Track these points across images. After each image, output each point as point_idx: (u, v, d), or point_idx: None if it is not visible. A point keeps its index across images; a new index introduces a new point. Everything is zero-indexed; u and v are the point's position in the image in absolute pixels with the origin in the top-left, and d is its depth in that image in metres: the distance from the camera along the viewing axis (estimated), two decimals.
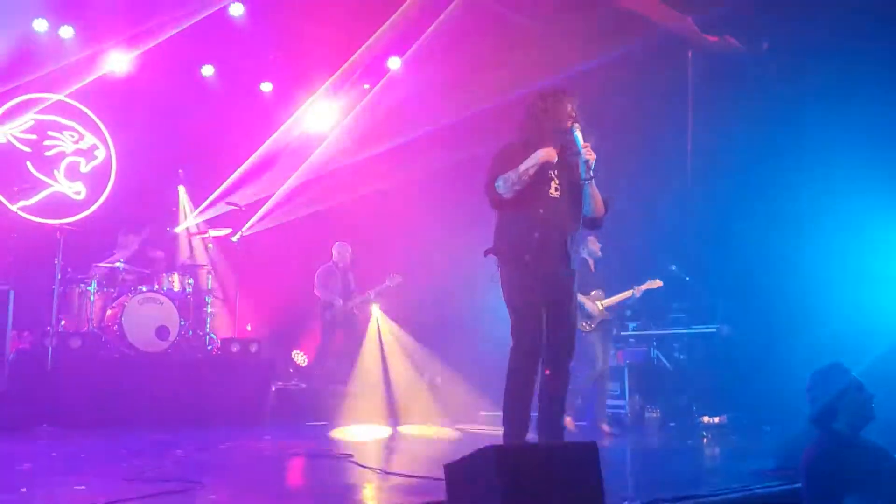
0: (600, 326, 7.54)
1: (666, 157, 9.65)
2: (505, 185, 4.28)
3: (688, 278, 9.08)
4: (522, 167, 4.25)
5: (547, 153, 4.28)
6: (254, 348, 8.61)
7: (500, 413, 4.39)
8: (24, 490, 3.86)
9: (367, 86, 10.82)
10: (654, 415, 8.40)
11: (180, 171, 10.39)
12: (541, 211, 4.31)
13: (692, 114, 9.51)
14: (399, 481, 4.42)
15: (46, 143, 9.66)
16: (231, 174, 10.44)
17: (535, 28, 9.41)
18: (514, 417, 4.31)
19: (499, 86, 9.52)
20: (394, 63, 10.84)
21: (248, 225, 10.13)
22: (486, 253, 4.46)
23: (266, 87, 11.14)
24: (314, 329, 10.21)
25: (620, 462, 5.34)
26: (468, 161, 10.47)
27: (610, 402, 8.73)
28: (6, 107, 9.29)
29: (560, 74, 9.35)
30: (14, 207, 9.17)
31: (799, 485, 3.77)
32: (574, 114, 4.42)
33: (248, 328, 9.85)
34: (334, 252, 9.71)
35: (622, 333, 9.31)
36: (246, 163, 10.50)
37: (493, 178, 4.35)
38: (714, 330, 8.49)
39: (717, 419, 7.81)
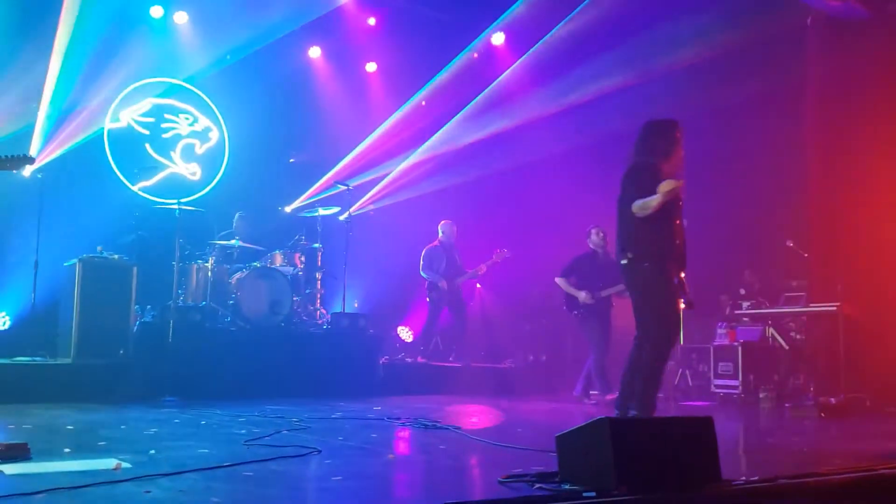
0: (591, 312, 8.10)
1: (783, 131, 9.25)
2: (642, 210, 4.86)
3: (806, 255, 8.70)
4: (657, 200, 4.80)
5: (676, 185, 4.85)
6: (362, 323, 8.81)
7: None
8: (152, 452, 4.08)
9: (475, 55, 10.83)
10: (769, 395, 8.10)
11: (291, 160, 10.68)
12: (677, 222, 5.02)
13: (812, 84, 9.04)
14: (508, 452, 4.43)
15: (163, 125, 10.10)
16: (341, 155, 10.68)
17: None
18: (649, 402, 4.91)
19: (610, 71, 9.41)
20: (498, 39, 10.82)
21: (356, 205, 10.32)
22: (632, 259, 4.99)
23: (371, 67, 11.30)
24: (419, 306, 10.34)
25: (736, 439, 5.18)
26: (573, 149, 10.43)
27: (722, 381, 8.51)
28: (126, 92, 9.75)
29: (675, 49, 9.15)
30: (135, 188, 9.65)
31: None
32: None
33: (356, 304, 10.07)
34: (440, 231, 9.75)
35: (736, 312, 9.02)
36: (361, 145, 10.72)
37: (630, 196, 4.95)
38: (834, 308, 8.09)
39: (833, 399, 7.47)
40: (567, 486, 3.18)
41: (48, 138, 8.83)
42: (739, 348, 8.46)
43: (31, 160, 4.65)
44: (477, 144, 10.85)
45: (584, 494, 3.07)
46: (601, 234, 8.29)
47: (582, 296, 8.13)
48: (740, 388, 8.35)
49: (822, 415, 6.91)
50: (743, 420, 6.86)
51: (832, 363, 8.06)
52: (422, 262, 9.63)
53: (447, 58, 10.81)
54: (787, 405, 7.75)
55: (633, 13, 9.35)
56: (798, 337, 8.60)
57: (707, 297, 9.74)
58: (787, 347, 8.57)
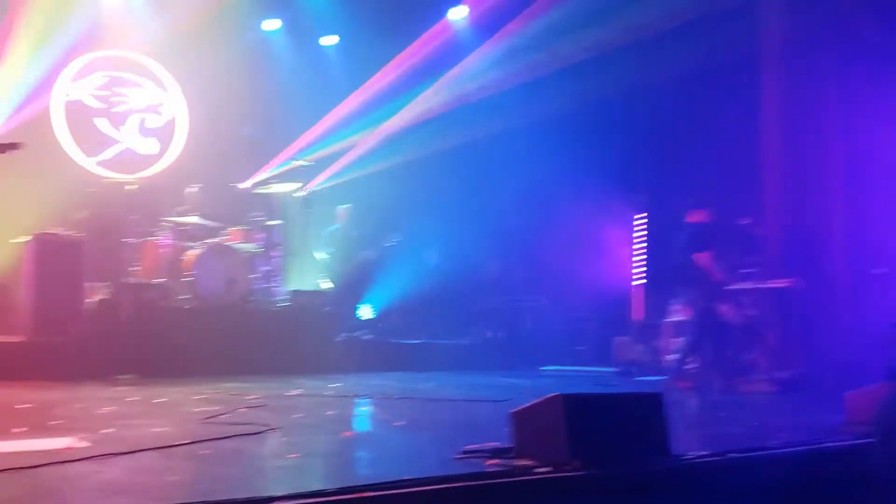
0: None
1: (739, 107, 9.36)
2: None
3: (760, 231, 8.87)
4: None
5: None
6: (320, 301, 8.77)
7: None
8: (108, 431, 4.05)
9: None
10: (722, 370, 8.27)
11: (245, 131, 10.51)
12: None
13: (765, 57, 9.09)
14: (464, 428, 4.48)
15: (117, 99, 9.88)
16: (300, 130, 10.56)
17: None
18: None
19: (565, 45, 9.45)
20: (456, 14, 10.78)
21: (316, 180, 10.23)
22: None
23: (331, 40, 11.18)
24: (380, 283, 10.37)
25: (688, 415, 5.30)
26: (536, 123, 10.46)
27: (676, 356, 8.67)
28: (78, 64, 9.51)
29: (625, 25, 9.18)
30: (88, 163, 9.45)
31: (870, 440, 3.69)
32: None
33: (317, 282, 10.01)
34: (338, 215, 10.01)
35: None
36: (321, 119, 10.63)
37: None
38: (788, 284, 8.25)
39: (784, 375, 7.67)
40: (521, 462, 3.24)
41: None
42: (694, 324, 8.59)
43: (19, 146, 4.57)
44: (441, 117, 10.79)
45: (538, 470, 3.13)
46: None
47: (722, 277, 7.56)
48: (695, 363, 8.49)
49: (773, 390, 7.08)
50: (696, 395, 7.01)
51: (784, 339, 8.25)
52: None
53: (409, 31, 10.75)
54: (739, 380, 7.92)
55: None
56: (752, 313, 8.76)
57: (665, 272, 9.91)
58: (741, 323, 8.73)
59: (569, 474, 3.13)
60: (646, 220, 10.79)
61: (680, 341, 8.44)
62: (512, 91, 10.39)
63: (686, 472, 3.42)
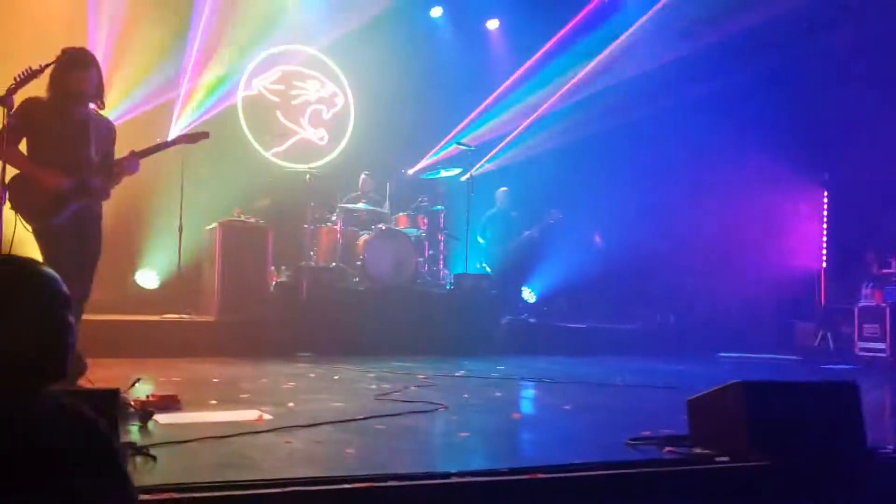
0: None
1: None
2: None
3: None
4: None
5: None
6: (485, 284, 8.86)
7: None
8: (291, 404, 4.28)
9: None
10: None
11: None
12: None
13: None
14: (635, 414, 4.37)
15: (294, 92, 10.38)
16: (463, 115, 10.68)
17: None
18: None
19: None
20: None
21: (477, 165, 10.31)
22: None
23: (492, 24, 11.20)
24: (540, 266, 10.33)
25: (883, 406, 4.91)
26: (706, 97, 9.98)
27: (867, 344, 8.07)
28: (257, 60, 10.07)
29: None
30: (268, 154, 10.02)
31: None
32: None
33: (479, 265, 10.12)
34: (497, 198, 10.00)
35: (883, 272, 8.48)
36: (482, 104, 10.70)
37: None
38: None
39: None
40: (698, 450, 3.12)
41: (189, 108, 9.28)
42: (888, 309, 7.97)
43: (207, 135, 4.99)
44: (606, 93, 10.53)
45: (717, 459, 3.01)
46: None
47: None
48: (888, 351, 7.87)
49: None
50: (891, 386, 6.48)
51: None
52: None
53: (570, 7, 10.59)
54: None
55: None
56: None
57: (851, 255, 9.22)
58: None
59: (750, 464, 2.98)
60: (828, 200, 10.07)
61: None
62: (681, 64, 9.96)
63: (882, 468, 3.17)
